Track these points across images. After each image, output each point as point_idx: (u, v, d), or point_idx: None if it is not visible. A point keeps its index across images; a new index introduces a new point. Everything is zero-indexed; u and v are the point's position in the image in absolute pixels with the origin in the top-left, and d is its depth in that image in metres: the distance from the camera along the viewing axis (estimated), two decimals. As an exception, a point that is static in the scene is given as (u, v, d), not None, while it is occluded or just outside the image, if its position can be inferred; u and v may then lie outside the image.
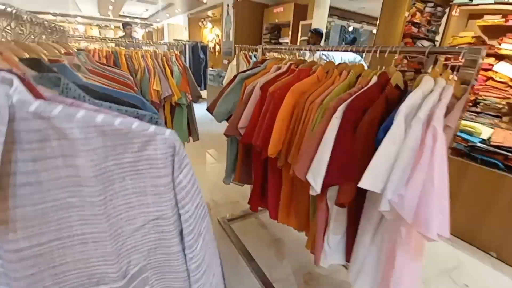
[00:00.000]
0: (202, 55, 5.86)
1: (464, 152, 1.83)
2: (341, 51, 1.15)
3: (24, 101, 0.22)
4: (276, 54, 1.96)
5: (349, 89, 0.92)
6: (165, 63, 1.90)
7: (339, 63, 1.05)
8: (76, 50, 0.89)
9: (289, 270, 1.48)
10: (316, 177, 0.78)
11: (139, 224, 0.28)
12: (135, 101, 0.54)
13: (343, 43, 4.37)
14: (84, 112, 0.24)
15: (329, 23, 4.40)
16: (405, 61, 2.83)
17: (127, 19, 10.36)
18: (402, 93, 0.86)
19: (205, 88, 5.90)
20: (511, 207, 1.59)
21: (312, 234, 1.05)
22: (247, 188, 1.73)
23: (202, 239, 0.33)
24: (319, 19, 3.61)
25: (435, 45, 2.92)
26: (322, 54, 2.15)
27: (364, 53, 1.22)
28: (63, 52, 0.66)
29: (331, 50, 1.25)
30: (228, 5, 5.71)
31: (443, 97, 0.66)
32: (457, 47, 0.73)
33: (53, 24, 0.84)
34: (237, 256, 1.56)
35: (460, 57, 0.71)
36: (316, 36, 3.02)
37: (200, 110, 2.17)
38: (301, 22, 4.71)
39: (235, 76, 1.36)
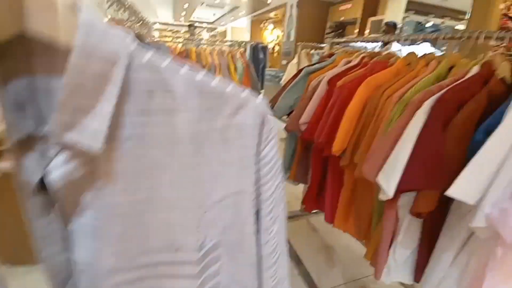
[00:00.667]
0: (262, 55, 5.98)
1: None
2: (421, 41, 1.01)
3: (141, 50, 0.23)
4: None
5: (439, 82, 0.79)
6: (230, 60, 1.98)
7: (425, 54, 0.92)
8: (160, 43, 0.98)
9: (340, 280, 1.38)
10: (389, 179, 0.69)
11: (219, 196, 0.27)
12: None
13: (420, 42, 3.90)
14: (187, 68, 0.25)
15: (403, 18, 3.98)
16: (502, 60, 2.37)
17: (196, 23, 11.29)
18: (509, 89, 0.71)
19: (262, 88, 6.01)
20: None
21: (374, 244, 0.94)
22: (300, 189, 1.67)
23: (279, 223, 0.31)
24: (394, 14, 3.29)
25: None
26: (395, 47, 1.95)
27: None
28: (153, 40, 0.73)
29: (408, 40, 1.10)
30: (291, 5, 5.69)
31: None
32: None
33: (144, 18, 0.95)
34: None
35: None
36: (391, 29, 2.77)
37: None
38: (371, 19, 4.38)
39: (300, 71, 1.32)
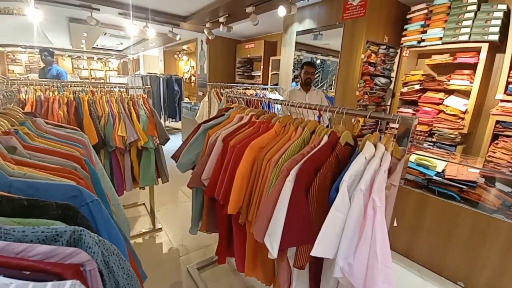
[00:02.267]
0: (176, 88, 5.91)
1: (423, 184, 1.93)
2: (302, 107, 1.21)
3: None
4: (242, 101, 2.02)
5: (304, 146, 0.96)
6: (131, 107, 1.88)
7: (296, 118, 1.10)
8: (22, 117, 0.85)
9: (261, 323, 1.41)
10: (272, 242, 0.78)
11: None
12: (67, 193, 0.52)
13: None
14: None
15: (298, 56, 4.70)
16: (366, 96, 3.05)
17: (101, 51, 10.35)
18: (353, 149, 0.92)
19: (179, 120, 5.89)
20: (471, 237, 1.67)
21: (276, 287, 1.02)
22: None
23: None
24: (287, 56, 3.83)
25: (391, 81, 3.19)
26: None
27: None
28: (3, 129, 0.63)
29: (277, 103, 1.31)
30: (202, 41, 5.92)
31: (383, 163, 0.71)
32: (394, 114, 0.80)
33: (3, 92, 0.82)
34: (207, 311, 1.47)
35: (396, 123, 0.78)
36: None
37: (176, 143, 2.10)
38: (271, 58, 4.99)
39: (198, 126, 1.37)
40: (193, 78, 8.13)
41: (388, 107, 3.26)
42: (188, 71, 8.57)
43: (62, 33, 6.37)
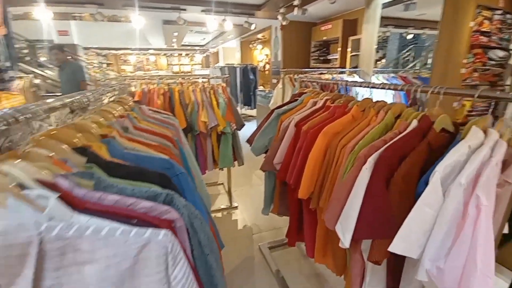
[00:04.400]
0: (252, 76, 6.15)
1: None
2: (379, 88, 1.08)
3: (49, 228, 0.29)
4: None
5: (386, 132, 0.86)
6: (212, 96, 2.07)
7: (377, 101, 0.99)
8: (132, 104, 1.05)
9: (329, 311, 1.39)
10: (344, 231, 0.74)
11: None
12: (163, 165, 0.62)
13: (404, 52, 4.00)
14: (92, 229, 0.31)
15: (384, 33, 4.14)
16: (476, 74, 2.46)
17: (188, 47, 11.65)
18: (452, 137, 0.77)
19: (254, 107, 6.13)
20: None
21: (348, 281, 0.97)
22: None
23: None
24: (370, 33, 3.43)
25: (510, 55, 2.46)
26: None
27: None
28: (117, 115, 0.80)
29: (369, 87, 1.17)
30: (276, 28, 5.90)
31: (495, 154, 0.57)
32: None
33: (115, 86, 1.03)
34: (274, 286, 1.54)
35: (519, 102, 0.60)
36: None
37: (251, 129, 2.23)
38: (350, 38, 4.55)
39: (272, 111, 1.40)
40: (267, 66, 8.26)
41: (508, 88, 2.55)
42: (263, 59, 8.74)
43: (158, 34, 7.44)
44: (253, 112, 6.48)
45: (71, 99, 0.66)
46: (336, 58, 5.05)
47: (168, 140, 0.85)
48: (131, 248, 0.32)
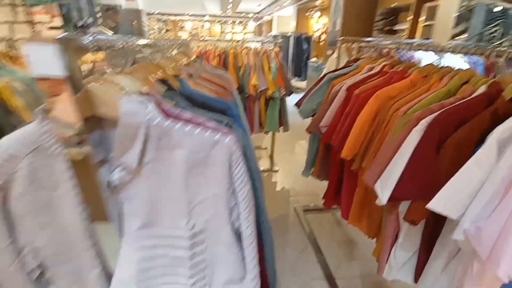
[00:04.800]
0: (305, 46, 5.89)
1: None
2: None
3: (152, 118, 0.40)
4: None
5: (447, 98, 0.81)
6: (265, 60, 2.10)
7: (442, 67, 0.92)
8: (194, 57, 1.16)
9: (356, 272, 1.46)
10: (384, 188, 0.77)
11: (202, 197, 0.44)
12: (222, 105, 0.72)
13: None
14: (180, 124, 0.41)
15: (469, 1, 3.52)
16: None
17: (242, 15, 11.50)
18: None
19: (305, 79, 5.95)
20: None
21: (380, 243, 1.01)
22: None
23: (251, 214, 0.46)
24: (450, 1, 2.96)
25: None
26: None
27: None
28: (184, 63, 0.91)
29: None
30: (338, -8, 5.42)
31: None
32: None
33: (182, 40, 1.15)
34: (307, 245, 1.64)
35: None
36: None
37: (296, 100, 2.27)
38: (426, 5, 3.96)
39: (323, 76, 1.39)
40: (323, 36, 7.76)
41: None
42: (319, 29, 8.21)
43: (215, 0, 7.46)
44: (303, 84, 6.31)
45: (154, 41, 0.78)
46: (404, 29, 4.50)
47: (225, 90, 0.94)
48: (205, 143, 0.42)
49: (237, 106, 1.01)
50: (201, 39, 2.35)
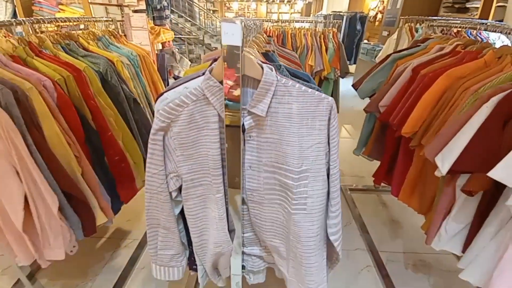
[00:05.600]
0: (359, 27, 5.58)
1: None
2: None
3: (280, 79, 0.55)
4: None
5: (523, 78, 0.83)
6: (322, 41, 2.14)
7: (522, 47, 0.91)
8: (267, 39, 1.29)
9: (400, 249, 1.54)
10: (445, 160, 0.84)
11: (310, 144, 0.58)
12: (306, 77, 0.84)
13: None
14: (298, 85, 0.55)
15: None
16: None
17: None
18: None
19: (355, 63, 5.70)
20: None
21: (431, 217, 1.08)
22: (374, 166, 1.81)
23: (338, 158, 0.61)
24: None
25: None
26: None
27: None
28: (264, 41, 1.06)
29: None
30: (403, -34, 4.95)
31: None
32: None
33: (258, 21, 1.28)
34: (351, 221, 1.75)
35: None
36: None
37: (345, 85, 2.31)
38: (510, -23, 3.44)
39: (387, 56, 1.42)
40: (379, 16, 7.21)
41: None
42: (375, 7, 7.61)
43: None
44: (352, 68, 6.04)
45: (253, 21, 0.93)
46: (477, 7, 4.00)
47: (298, 66, 1.06)
48: (314, 100, 0.56)
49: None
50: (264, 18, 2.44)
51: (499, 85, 0.82)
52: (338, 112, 2.37)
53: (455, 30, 2.73)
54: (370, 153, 1.57)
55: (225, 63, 0.51)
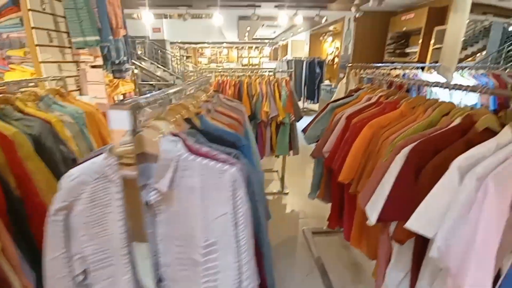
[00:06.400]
0: (318, 70, 6.11)
1: None
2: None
3: (181, 154, 0.55)
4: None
5: (429, 128, 0.92)
6: (276, 88, 2.28)
7: (429, 99, 1.03)
8: (212, 91, 1.35)
9: (363, 296, 1.48)
10: (372, 210, 0.86)
11: (215, 216, 0.57)
12: (234, 138, 0.87)
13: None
14: (200, 158, 0.55)
15: (482, 22, 3.60)
16: None
17: (258, 41, 12.14)
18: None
19: (317, 102, 6.11)
20: None
21: (376, 264, 1.08)
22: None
23: (247, 228, 0.59)
24: (457, 24, 3.07)
25: None
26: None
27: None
28: (204, 100, 1.09)
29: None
30: (349, 19, 5.68)
31: (522, 153, 0.61)
32: None
33: (204, 78, 1.34)
34: (313, 268, 1.69)
35: None
36: None
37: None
38: (436, 28, 4.08)
39: (327, 104, 1.53)
40: (336, 59, 8.00)
41: None
42: (332, 52, 8.49)
43: (233, 29, 8.02)
44: (315, 106, 6.45)
45: (182, 88, 0.97)
46: (415, 52, 4.61)
47: (237, 122, 1.10)
48: (216, 172, 0.56)
49: (247, 135, 1.16)
50: (218, 71, 2.57)
51: (410, 135, 0.89)
52: (297, 153, 2.46)
53: (394, 73, 3.07)
54: (324, 196, 1.59)
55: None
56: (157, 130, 0.59)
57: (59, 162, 1.18)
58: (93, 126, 1.53)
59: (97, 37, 1.89)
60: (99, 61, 2.13)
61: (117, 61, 2.34)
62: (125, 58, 2.44)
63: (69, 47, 2.05)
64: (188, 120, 0.79)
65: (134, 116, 0.51)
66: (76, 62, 2.09)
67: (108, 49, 2.09)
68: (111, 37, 2.12)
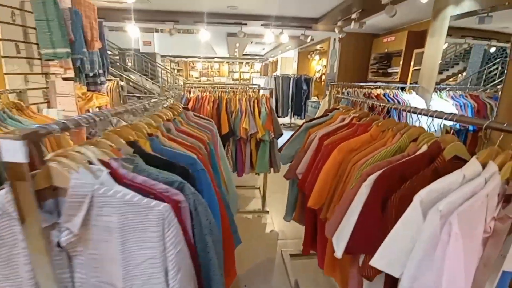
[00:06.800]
0: (305, 87, 6.19)
1: None
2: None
3: (99, 188, 0.48)
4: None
5: (398, 154, 0.87)
6: (256, 105, 2.24)
7: (399, 123, 1.00)
8: (181, 110, 1.28)
9: (339, 329, 1.38)
10: (339, 242, 0.79)
11: (140, 260, 0.49)
12: (189, 160, 0.79)
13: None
14: (122, 193, 0.48)
15: (461, 45, 3.75)
16: None
17: (249, 57, 12.39)
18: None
19: (304, 117, 6.15)
20: None
21: (350, 298, 0.99)
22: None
23: (180, 272, 0.51)
24: (434, 47, 3.18)
25: None
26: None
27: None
28: (165, 119, 1.02)
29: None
30: (334, 39, 5.85)
31: (487, 186, 0.56)
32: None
33: (173, 94, 1.28)
34: (290, 292, 1.59)
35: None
36: None
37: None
38: (416, 51, 4.24)
39: (301, 125, 1.48)
40: (323, 77, 8.18)
41: None
42: (320, 70, 8.70)
43: (222, 44, 8.14)
44: (301, 122, 6.48)
45: (132, 107, 0.89)
46: (397, 72, 4.75)
47: (201, 142, 1.03)
48: (142, 210, 0.48)
49: (213, 156, 1.09)
50: (200, 87, 2.53)
51: (378, 161, 0.85)
52: (278, 171, 2.39)
53: (375, 93, 3.10)
54: (299, 219, 1.51)
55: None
56: (78, 159, 0.51)
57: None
58: (52, 142, 1.43)
59: (68, 49, 1.81)
60: (71, 73, 2.05)
61: (91, 74, 2.26)
62: (100, 71, 2.36)
63: (39, 59, 1.96)
64: (132, 144, 0.71)
65: (32, 146, 0.43)
66: (46, 74, 1.99)
67: (81, 61, 2.02)
68: (85, 50, 2.06)
